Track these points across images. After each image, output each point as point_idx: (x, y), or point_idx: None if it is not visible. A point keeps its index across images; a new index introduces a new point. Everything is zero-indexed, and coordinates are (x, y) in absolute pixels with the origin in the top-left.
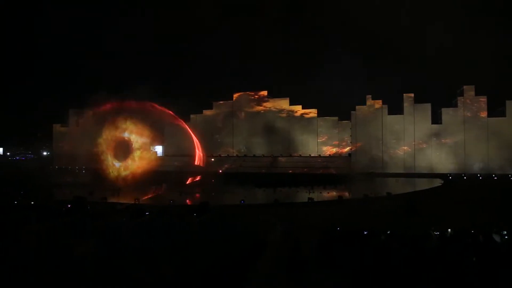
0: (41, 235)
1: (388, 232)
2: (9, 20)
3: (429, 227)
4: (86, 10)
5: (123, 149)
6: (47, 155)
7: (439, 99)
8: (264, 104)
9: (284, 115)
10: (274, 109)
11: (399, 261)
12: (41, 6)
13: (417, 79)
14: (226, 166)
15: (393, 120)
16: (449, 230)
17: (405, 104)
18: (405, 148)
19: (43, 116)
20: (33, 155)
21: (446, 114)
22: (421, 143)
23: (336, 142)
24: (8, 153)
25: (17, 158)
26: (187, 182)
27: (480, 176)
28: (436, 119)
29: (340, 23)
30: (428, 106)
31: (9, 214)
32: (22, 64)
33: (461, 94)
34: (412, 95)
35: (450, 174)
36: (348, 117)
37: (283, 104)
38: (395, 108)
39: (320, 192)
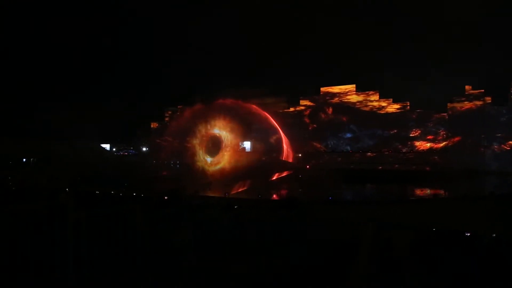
0: (146, 225)
1: (494, 236)
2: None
3: None
4: (176, 11)
5: (214, 145)
6: (146, 151)
7: None
8: (352, 98)
9: (373, 109)
10: (362, 103)
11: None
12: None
13: None
14: (313, 161)
15: (497, 111)
16: None
17: None
18: None
19: (142, 115)
20: (134, 150)
21: None
22: None
23: (431, 137)
24: (114, 149)
25: (121, 153)
26: (275, 177)
27: None
28: None
29: (435, 8)
30: None
31: (117, 205)
32: (124, 70)
33: None
34: None
35: None
36: (444, 110)
37: (373, 98)
38: (500, 98)
39: (413, 190)
